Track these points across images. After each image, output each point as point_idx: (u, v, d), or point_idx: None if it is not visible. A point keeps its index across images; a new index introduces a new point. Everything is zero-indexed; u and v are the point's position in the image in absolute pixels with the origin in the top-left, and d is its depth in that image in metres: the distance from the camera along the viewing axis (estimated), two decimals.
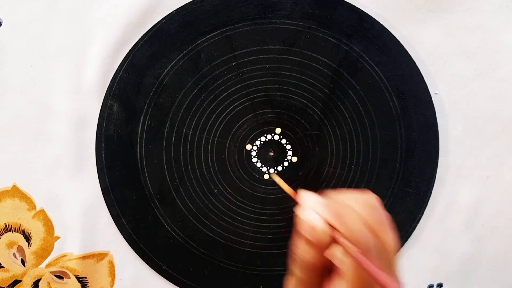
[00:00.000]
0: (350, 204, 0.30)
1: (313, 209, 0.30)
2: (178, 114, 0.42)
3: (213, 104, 0.43)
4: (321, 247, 0.29)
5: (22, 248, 0.44)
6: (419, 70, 0.43)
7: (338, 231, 0.29)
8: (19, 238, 0.44)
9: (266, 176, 0.44)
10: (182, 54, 0.42)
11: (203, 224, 0.44)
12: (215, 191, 0.43)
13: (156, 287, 0.45)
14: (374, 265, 0.27)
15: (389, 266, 0.30)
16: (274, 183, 0.44)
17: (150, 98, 0.42)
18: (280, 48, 0.42)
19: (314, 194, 0.32)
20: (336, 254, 0.29)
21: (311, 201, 0.31)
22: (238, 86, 0.42)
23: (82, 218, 0.43)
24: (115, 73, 0.42)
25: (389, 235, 0.30)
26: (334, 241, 0.29)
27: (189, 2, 0.41)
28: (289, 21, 0.42)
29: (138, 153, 0.43)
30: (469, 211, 0.45)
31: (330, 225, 0.29)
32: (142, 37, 0.42)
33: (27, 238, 0.44)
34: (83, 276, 0.44)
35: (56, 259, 0.44)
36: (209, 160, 0.43)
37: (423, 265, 0.46)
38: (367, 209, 0.29)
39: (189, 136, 0.43)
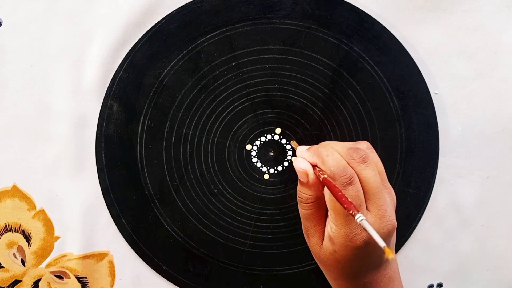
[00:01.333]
0: (334, 146, 0.36)
1: (300, 156, 0.38)
2: (178, 114, 0.42)
3: (213, 104, 0.43)
4: (313, 186, 0.36)
5: (22, 248, 0.44)
6: (419, 70, 0.43)
7: (319, 168, 0.36)
8: (19, 238, 0.44)
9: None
10: (182, 54, 0.42)
11: (203, 224, 0.44)
12: (215, 191, 0.43)
13: (156, 287, 0.45)
14: (341, 190, 0.33)
15: (371, 197, 0.35)
16: (274, 183, 0.44)
17: (150, 98, 0.42)
18: (280, 48, 0.42)
19: (307, 146, 0.39)
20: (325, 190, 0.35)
21: (300, 150, 0.39)
22: (238, 86, 0.42)
23: (82, 218, 0.43)
24: (115, 73, 0.42)
25: (367, 171, 0.35)
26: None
27: (189, 2, 0.41)
28: (289, 21, 0.42)
29: (138, 153, 0.43)
30: (469, 211, 0.46)
31: (314, 165, 0.36)
32: (142, 37, 0.42)
33: (27, 238, 0.44)
34: (83, 276, 0.44)
35: (56, 259, 0.44)
36: (209, 160, 0.43)
37: (423, 265, 0.46)
38: (347, 150, 0.35)
39: (189, 136, 0.43)
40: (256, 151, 0.43)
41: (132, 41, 0.42)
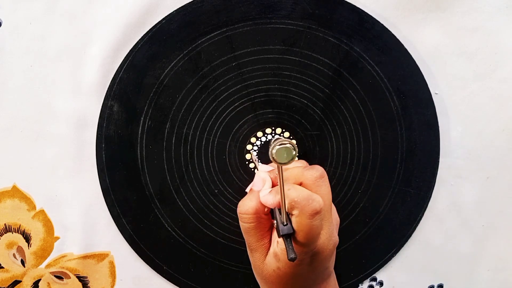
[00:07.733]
0: (291, 171, 0.37)
1: (262, 171, 0.39)
2: (179, 114, 0.42)
3: (214, 104, 0.43)
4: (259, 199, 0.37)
5: (22, 248, 0.44)
6: (419, 70, 0.43)
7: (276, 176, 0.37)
8: (19, 239, 0.44)
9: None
10: (182, 54, 0.42)
11: (204, 225, 0.44)
12: (216, 191, 0.43)
13: None
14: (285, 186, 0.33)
15: (325, 214, 0.35)
16: None
17: (150, 98, 0.42)
18: (280, 48, 0.42)
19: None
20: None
21: (262, 167, 0.41)
22: (239, 86, 0.42)
23: (82, 219, 0.43)
24: (115, 73, 0.42)
25: (323, 187, 0.36)
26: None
27: (189, 2, 0.41)
28: (289, 21, 0.42)
29: (139, 154, 0.43)
30: (469, 211, 0.46)
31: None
32: (142, 37, 0.42)
33: (27, 238, 0.44)
34: (84, 275, 0.44)
35: (56, 259, 0.44)
36: (210, 160, 0.43)
37: (424, 265, 0.46)
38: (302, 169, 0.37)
39: (190, 137, 0.43)
40: (257, 151, 0.43)
41: (132, 41, 0.42)
